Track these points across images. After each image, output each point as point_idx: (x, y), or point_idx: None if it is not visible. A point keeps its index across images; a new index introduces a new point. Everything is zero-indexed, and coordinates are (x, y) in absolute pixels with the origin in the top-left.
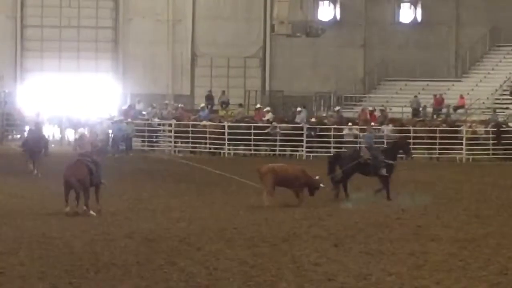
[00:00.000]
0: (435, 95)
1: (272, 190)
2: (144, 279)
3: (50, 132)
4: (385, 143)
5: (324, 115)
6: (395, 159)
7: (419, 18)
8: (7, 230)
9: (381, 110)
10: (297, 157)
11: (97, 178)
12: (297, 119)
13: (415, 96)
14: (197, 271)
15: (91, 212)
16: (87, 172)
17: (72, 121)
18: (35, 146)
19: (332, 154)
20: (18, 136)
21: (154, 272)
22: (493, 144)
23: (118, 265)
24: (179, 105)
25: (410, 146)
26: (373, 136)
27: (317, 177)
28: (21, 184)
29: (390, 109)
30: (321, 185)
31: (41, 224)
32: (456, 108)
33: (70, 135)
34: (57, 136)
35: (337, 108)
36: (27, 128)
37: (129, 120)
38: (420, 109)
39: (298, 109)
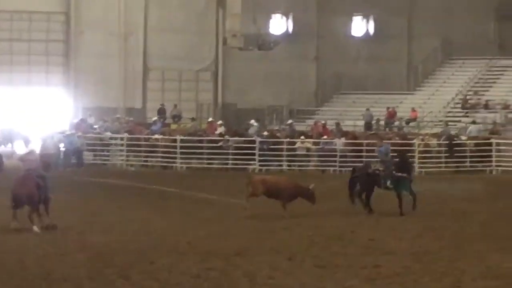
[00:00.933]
0: (388, 108)
1: (249, 197)
2: None
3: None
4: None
5: (277, 128)
6: (408, 172)
7: (371, 31)
8: None
9: (336, 124)
10: (250, 171)
11: (45, 192)
12: (250, 132)
13: (367, 109)
14: (149, 285)
15: (35, 228)
16: (35, 186)
17: (22, 135)
18: None
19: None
20: None
21: (106, 287)
22: (446, 157)
23: (70, 280)
24: (130, 118)
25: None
26: (386, 149)
27: (310, 186)
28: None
29: (343, 122)
30: (310, 186)
31: None
32: (408, 121)
33: (20, 149)
34: (7, 150)
35: (290, 121)
36: None
37: (79, 133)
38: (373, 122)
39: (251, 121)
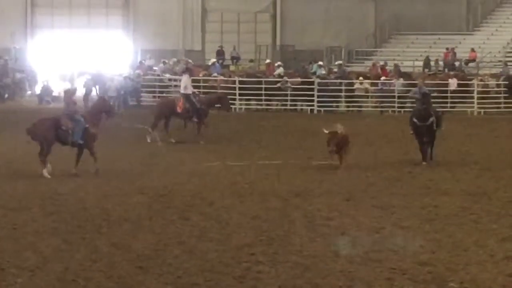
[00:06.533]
0: (447, 49)
1: (333, 151)
2: (156, 234)
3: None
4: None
5: (335, 70)
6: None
7: None
8: (21, 187)
9: (395, 65)
10: (308, 112)
11: (75, 137)
12: (318, 74)
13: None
14: (209, 226)
15: (44, 172)
16: (51, 127)
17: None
18: None
19: None
20: (29, 92)
21: (167, 227)
22: (505, 98)
23: (130, 220)
24: (189, 60)
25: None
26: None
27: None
28: (33, 141)
29: (402, 63)
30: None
31: (54, 181)
32: (467, 62)
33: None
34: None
35: (339, 62)
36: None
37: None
38: (432, 63)
39: (320, 63)
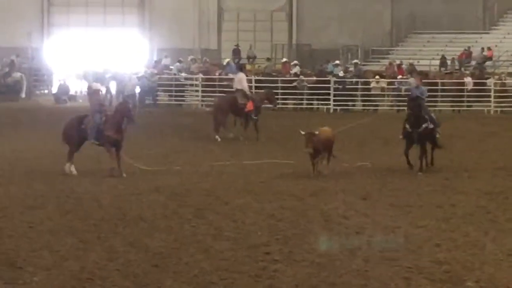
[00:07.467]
0: (464, 49)
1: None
2: (172, 233)
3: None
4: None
5: (351, 69)
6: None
7: None
8: (37, 185)
9: (410, 64)
10: (325, 111)
11: (88, 137)
12: (335, 72)
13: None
14: (225, 225)
15: (66, 167)
16: (74, 125)
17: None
18: None
19: None
20: (46, 91)
21: (182, 226)
22: None
23: (146, 219)
24: (205, 58)
25: None
26: (422, 92)
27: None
28: (49, 140)
29: (418, 62)
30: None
31: (70, 180)
32: (484, 61)
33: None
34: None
35: (355, 61)
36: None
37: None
38: (448, 62)
39: (336, 62)
